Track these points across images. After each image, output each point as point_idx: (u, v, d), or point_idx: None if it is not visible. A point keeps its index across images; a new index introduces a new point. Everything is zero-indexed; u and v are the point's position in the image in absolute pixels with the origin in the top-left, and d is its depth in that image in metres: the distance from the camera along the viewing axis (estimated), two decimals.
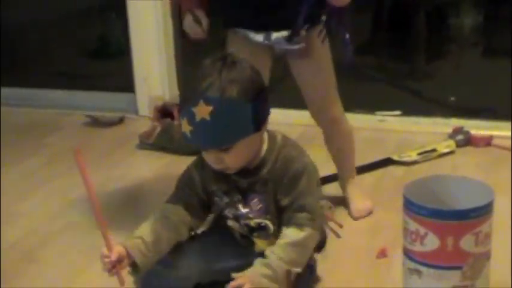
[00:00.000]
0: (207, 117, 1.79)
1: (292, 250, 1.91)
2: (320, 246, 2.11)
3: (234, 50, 2.31)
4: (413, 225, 1.80)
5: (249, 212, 2.00)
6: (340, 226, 2.50)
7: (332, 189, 2.76)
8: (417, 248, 1.81)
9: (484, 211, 1.78)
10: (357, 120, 3.50)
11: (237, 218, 2.03)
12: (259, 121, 1.86)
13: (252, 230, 2.03)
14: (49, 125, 3.71)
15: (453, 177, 2.03)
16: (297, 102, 3.63)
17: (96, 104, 3.85)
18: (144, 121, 3.60)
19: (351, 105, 3.58)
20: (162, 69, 3.72)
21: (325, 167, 2.89)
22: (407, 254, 1.85)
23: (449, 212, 1.78)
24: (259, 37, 2.35)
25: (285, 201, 1.94)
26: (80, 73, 4.39)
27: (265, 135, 1.96)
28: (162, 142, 3.27)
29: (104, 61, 4.46)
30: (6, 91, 4.03)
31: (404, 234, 1.85)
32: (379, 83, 4.10)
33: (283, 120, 3.53)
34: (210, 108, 1.79)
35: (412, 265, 1.84)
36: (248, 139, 1.87)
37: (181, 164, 3.06)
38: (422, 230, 1.78)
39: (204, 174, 2.01)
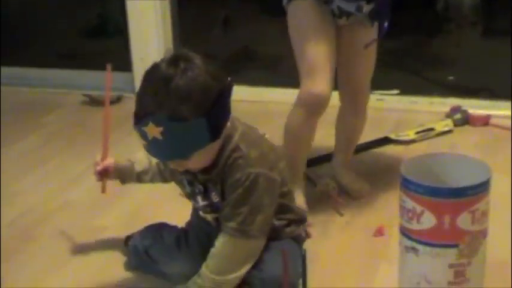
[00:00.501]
0: (159, 137, 1.77)
1: (218, 261, 1.92)
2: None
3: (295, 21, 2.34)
4: (410, 204, 1.80)
5: (206, 205, 1.98)
6: (342, 204, 2.52)
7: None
8: (414, 226, 1.81)
9: (481, 189, 1.77)
10: None
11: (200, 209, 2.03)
12: (215, 130, 1.82)
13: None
14: (47, 104, 3.71)
15: (450, 155, 2.02)
16: (296, 81, 3.63)
17: (93, 83, 3.84)
18: None
19: None
20: (159, 48, 3.70)
21: (321, 146, 2.91)
22: (404, 232, 1.85)
23: (446, 190, 1.77)
24: (350, 7, 2.33)
25: (223, 208, 1.93)
26: (78, 52, 4.38)
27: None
28: None
29: (102, 40, 4.45)
30: (5, 70, 4.02)
31: (401, 212, 1.84)
32: (377, 61, 4.08)
33: (283, 99, 3.54)
34: (160, 129, 1.76)
35: (409, 243, 1.84)
36: (208, 146, 1.84)
37: None
38: (419, 208, 1.78)
39: None
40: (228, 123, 1.87)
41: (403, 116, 3.33)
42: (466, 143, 3.00)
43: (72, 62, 4.22)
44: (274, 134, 3.11)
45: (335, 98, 2.89)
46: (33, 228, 2.49)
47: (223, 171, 1.89)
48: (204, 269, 1.92)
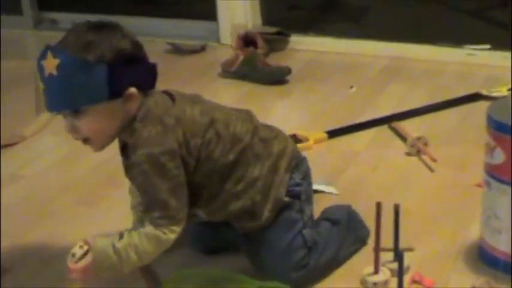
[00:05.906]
0: (54, 72, 1.70)
1: (150, 244, 1.77)
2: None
3: None
4: (487, 137, 1.91)
5: None
6: (434, 160, 2.58)
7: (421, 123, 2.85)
8: (488, 160, 1.93)
9: None
10: (444, 54, 3.53)
11: None
12: (117, 86, 1.73)
13: None
14: None
15: None
16: (382, 33, 3.64)
17: (178, 32, 3.94)
18: (225, 49, 3.67)
19: (438, 38, 3.58)
20: None
21: (407, 100, 2.93)
22: (484, 166, 1.95)
23: None
24: None
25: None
26: (163, 0, 4.45)
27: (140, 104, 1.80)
28: (245, 71, 3.34)
29: None
30: (88, 18, 4.11)
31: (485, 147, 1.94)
32: (467, 14, 4.05)
33: (368, 52, 3.57)
34: (57, 61, 1.70)
35: (485, 177, 1.95)
36: (105, 107, 1.75)
37: (262, 92, 3.15)
38: (492, 143, 1.89)
39: None
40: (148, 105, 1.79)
41: (495, 72, 3.34)
42: None
43: (157, 9, 4.29)
44: (361, 85, 3.18)
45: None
46: (117, 175, 2.57)
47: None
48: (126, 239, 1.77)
